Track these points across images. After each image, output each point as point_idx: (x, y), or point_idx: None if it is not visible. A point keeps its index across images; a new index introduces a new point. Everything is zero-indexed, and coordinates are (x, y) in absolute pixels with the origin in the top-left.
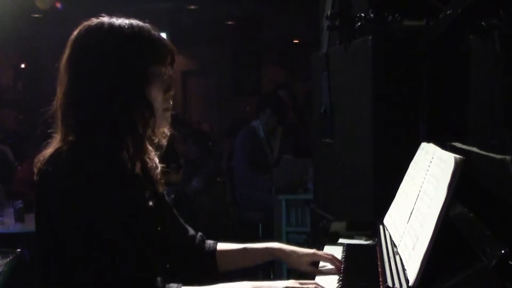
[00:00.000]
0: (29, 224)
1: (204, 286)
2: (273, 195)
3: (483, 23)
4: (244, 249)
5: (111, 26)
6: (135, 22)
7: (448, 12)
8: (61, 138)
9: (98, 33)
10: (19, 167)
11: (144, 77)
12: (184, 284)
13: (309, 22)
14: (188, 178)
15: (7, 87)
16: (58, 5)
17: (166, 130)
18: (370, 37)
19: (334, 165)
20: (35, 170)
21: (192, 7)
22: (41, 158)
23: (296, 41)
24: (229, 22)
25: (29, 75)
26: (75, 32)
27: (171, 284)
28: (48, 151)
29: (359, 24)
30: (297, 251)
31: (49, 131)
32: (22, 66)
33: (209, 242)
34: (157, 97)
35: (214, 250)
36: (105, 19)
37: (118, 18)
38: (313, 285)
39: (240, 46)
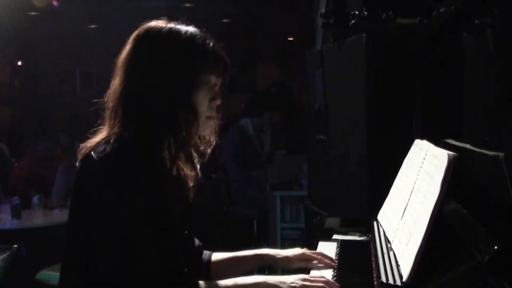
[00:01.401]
0: (26, 220)
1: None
2: (267, 192)
3: (476, 21)
4: (234, 257)
5: (170, 29)
6: (194, 29)
7: (441, 10)
8: (108, 129)
9: (157, 34)
10: (16, 164)
11: (192, 82)
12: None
13: (303, 20)
14: None
15: (4, 84)
16: (55, 3)
17: (212, 139)
18: (364, 35)
19: (328, 162)
20: (79, 156)
21: (188, 5)
22: (87, 145)
23: (291, 39)
24: (225, 20)
25: (26, 73)
26: (136, 31)
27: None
28: (94, 140)
29: (353, 22)
30: (286, 255)
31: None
32: (19, 63)
33: (206, 253)
34: (202, 103)
35: (209, 261)
36: (165, 22)
37: (178, 24)
38: (322, 284)
39: (236, 43)
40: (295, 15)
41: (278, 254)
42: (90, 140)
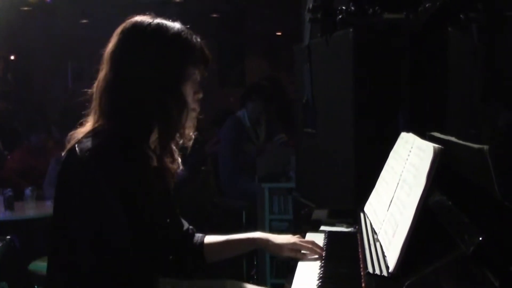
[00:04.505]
0: (19, 212)
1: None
2: (256, 184)
3: (461, 16)
4: (228, 240)
5: (158, 24)
6: (180, 25)
7: (427, 6)
8: (94, 121)
9: (146, 28)
10: (9, 157)
11: (181, 74)
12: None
13: (291, 15)
14: None
15: None
16: None
17: (192, 133)
18: (351, 30)
19: (316, 154)
20: (67, 145)
21: (178, 0)
22: (74, 136)
23: (279, 34)
24: (214, 15)
25: (19, 67)
26: (122, 25)
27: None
28: (81, 130)
29: (340, 16)
30: (278, 241)
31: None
32: (12, 58)
33: (198, 235)
34: (189, 95)
35: (202, 243)
36: (151, 17)
37: (164, 19)
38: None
39: (225, 38)
40: (283, 10)
41: (271, 239)
42: (78, 130)
